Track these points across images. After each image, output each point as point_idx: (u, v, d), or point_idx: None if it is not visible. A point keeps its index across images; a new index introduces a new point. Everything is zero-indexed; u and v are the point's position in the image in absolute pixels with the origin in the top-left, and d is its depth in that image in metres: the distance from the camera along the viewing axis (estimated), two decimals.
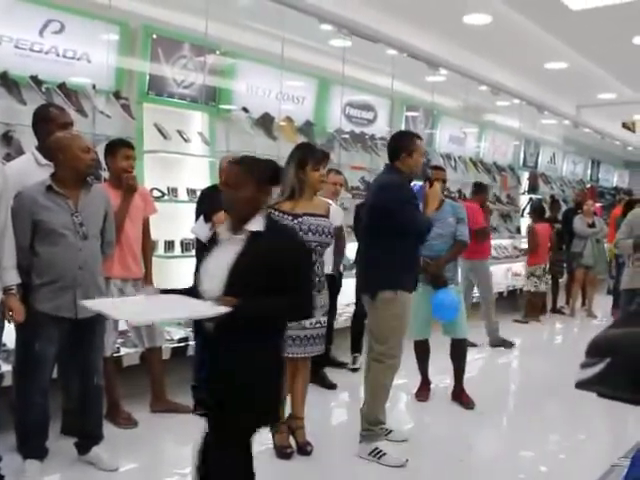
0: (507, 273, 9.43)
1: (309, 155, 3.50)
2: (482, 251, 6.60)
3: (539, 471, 3.68)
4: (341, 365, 5.54)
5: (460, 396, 4.63)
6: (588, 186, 12.57)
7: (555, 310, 8.85)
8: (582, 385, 1.17)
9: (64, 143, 3.10)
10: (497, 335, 6.70)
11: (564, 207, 9.87)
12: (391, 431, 3.88)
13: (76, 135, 3.23)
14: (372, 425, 3.63)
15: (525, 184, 10.56)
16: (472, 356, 5.33)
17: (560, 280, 8.87)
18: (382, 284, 3.57)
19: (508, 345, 6.69)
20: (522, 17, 6.19)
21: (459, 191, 8.66)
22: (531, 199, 10.26)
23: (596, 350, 1.17)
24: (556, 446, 4.07)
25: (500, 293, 7.94)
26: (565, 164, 12.72)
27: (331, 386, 4.99)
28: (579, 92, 9.66)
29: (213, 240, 2.47)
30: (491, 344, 6.68)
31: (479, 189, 7.05)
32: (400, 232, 3.51)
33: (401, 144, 3.65)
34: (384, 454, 3.53)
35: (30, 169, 3.27)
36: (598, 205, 11.10)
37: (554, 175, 11.87)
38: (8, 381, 3.45)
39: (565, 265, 8.83)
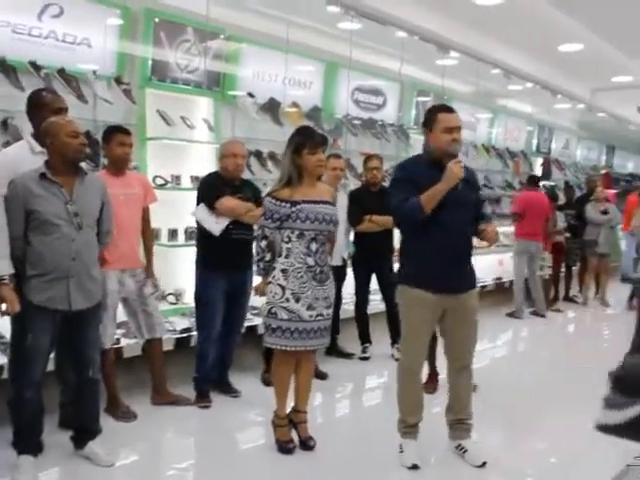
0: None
1: (307, 139, 3.34)
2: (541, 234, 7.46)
3: (550, 463, 3.57)
4: (349, 356, 5.44)
5: None
6: (603, 172, 12.33)
7: (568, 298, 8.71)
8: (607, 430, 0.91)
9: (52, 129, 3.00)
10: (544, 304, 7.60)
11: (578, 193, 9.68)
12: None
13: (65, 120, 3.11)
14: (399, 421, 3.47)
15: (538, 170, 10.38)
16: (481, 346, 5.21)
17: (573, 268, 8.71)
18: (399, 276, 3.41)
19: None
20: None
21: None
22: (544, 185, 10.08)
23: (627, 386, 0.90)
24: (569, 439, 3.96)
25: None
26: (579, 150, 12.51)
27: (321, 375, 4.78)
28: (594, 75, 9.44)
29: None
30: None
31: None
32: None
33: (425, 119, 3.34)
34: (401, 452, 3.41)
35: (24, 156, 3.17)
36: (611, 192, 10.88)
37: (568, 161, 11.68)
38: (6, 374, 3.37)
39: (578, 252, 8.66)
